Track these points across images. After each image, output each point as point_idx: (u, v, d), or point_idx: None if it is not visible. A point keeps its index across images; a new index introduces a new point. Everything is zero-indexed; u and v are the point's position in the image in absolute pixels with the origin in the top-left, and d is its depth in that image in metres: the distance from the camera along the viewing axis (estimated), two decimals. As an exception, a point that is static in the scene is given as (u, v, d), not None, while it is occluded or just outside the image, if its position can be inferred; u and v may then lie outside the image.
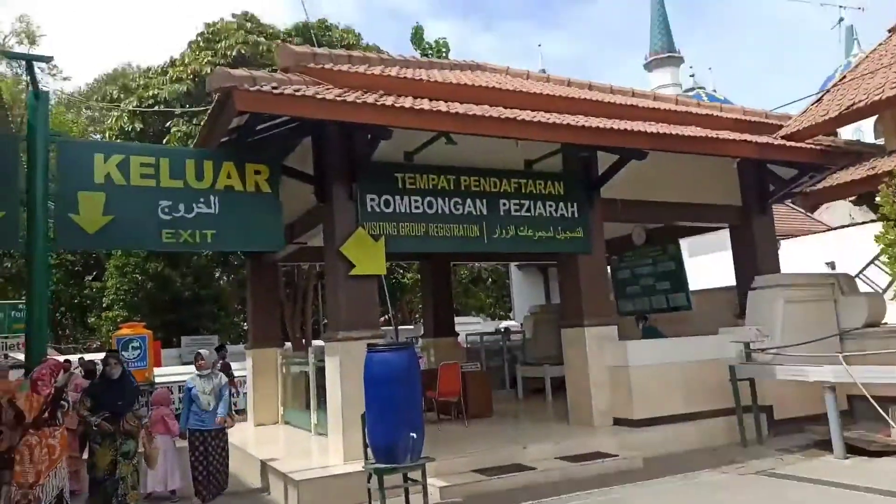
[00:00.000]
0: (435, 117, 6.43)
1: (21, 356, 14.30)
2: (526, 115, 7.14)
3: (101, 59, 54.33)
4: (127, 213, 6.30)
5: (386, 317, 27.39)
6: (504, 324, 22.51)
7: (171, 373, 15.12)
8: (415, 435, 5.52)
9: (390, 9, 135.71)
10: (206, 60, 16.57)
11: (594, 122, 7.74)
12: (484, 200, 7.91)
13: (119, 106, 16.54)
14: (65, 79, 36.99)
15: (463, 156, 7.73)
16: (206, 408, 6.79)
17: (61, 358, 15.81)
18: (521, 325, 15.64)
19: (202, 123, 7.02)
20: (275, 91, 5.81)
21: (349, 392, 6.81)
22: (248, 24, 18.42)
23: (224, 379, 7.04)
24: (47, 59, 5.26)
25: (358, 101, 6.14)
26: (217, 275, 30.36)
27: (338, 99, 6.06)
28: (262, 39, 17.20)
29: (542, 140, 7.38)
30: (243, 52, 16.69)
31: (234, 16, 19.10)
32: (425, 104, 6.49)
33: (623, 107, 9.04)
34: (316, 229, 8.12)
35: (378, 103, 6.16)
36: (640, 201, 9.20)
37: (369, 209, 7.34)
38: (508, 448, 7.13)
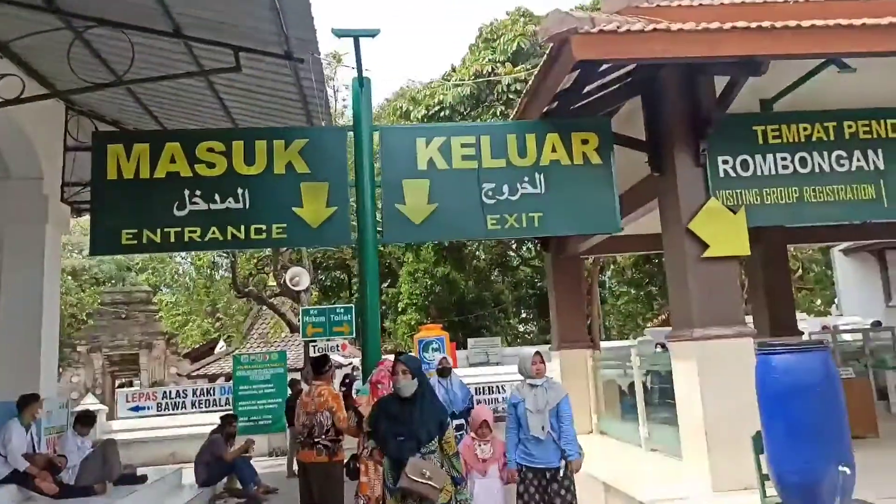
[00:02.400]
0: (832, 36, 4.75)
1: (340, 358, 15.44)
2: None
3: (388, 81, 60.06)
4: (450, 200, 5.73)
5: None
6: (827, 321, 18.81)
7: (462, 375, 15.12)
8: (847, 470, 3.99)
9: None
10: (486, 59, 16.45)
11: None
12: (879, 151, 5.91)
13: (409, 117, 17.21)
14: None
15: (843, 95, 5.85)
16: (537, 433, 4.67)
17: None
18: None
19: (524, 93, 6.23)
20: (619, 30, 4.71)
21: (713, 405, 5.42)
22: (523, 19, 17.97)
23: (562, 392, 4.87)
24: (374, 33, 4.78)
25: (724, 27, 4.75)
26: (493, 276, 31.02)
27: (697, 29, 4.74)
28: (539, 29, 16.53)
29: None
30: (521, 45, 16.22)
31: (507, 13, 18.92)
32: (816, 21, 4.83)
33: None
34: (637, 212, 6.88)
35: (753, 27, 4.69)
36: None
37: (722, 174, 5.87)
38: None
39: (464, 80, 16.88)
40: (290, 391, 11.30)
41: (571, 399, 4.89)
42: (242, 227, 5.51)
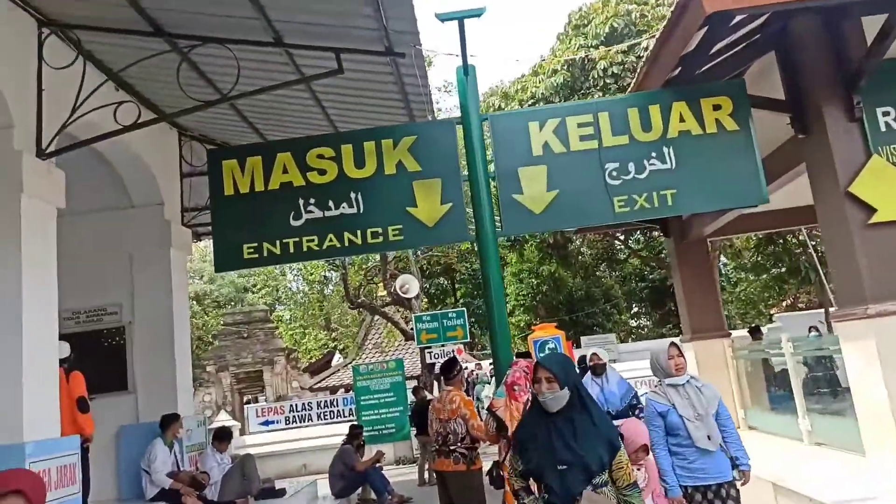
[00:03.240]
0: None
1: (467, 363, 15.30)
2: None
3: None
4: (572, 185, 5.32)
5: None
6: None
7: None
8: None
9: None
10: (577, 45, 15.84)
11: None
12: None
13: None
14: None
15: None
16: (705, 444, 3.88)
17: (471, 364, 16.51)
18: None
19: (643, 61, 5.73)
20: (757, -28, 4.15)
21: (898, 390, 4.68)
22: (614, 0, 17.20)
23: (716, 391, 4.12)
24: (479, 13, 4.49)
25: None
26: (599, 271, 29.98)
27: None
28: (633, 6, 15.75)
29: None
30: (615, 25, 15.49)
31: (594, -3, 18.19)
32: None
33: None
34: (780, 180, 6.17)
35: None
36: None
37: (883, 128, 5.11)
38: None
39: (556, 70, 16.36)
40: (413, 398, 11.23)
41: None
42: (358, 232, 5.37)
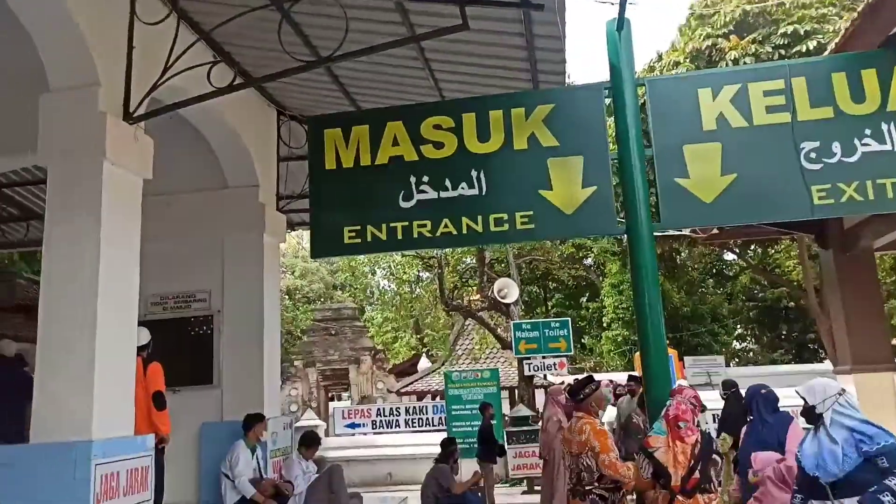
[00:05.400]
0: None
1: (561, 378, 14.13)
2: None
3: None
4: (755, 168, 4.20)
5: None
6: None
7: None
8: None
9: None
10: (704, 34, 14.35)
11: None
12: None
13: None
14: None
15: None
16: None
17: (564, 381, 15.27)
18: None
19: (857, 13, 4.51)
20: None
21: None
22: (742, -13, 15.56)
23: None
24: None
25: None
26: (704, 287, 27.81)
27: None
28: (769, -8, 14.12)
29: None
30: (747, 10, 13.91)
31: (721, -15, 16.59)
32: None
33: None
34: None
35: None
36: None
37: None
38: None
39: (678, 62, 14.91)
40: (482, 415, 10.10)
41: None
42: (479, 218, 4.45)
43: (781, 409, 4.25)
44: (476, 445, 11.28)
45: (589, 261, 26.94)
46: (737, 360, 30.42)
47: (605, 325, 24.71)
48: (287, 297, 29.66)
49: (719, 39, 14.19)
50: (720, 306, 26.71)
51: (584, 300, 28.65)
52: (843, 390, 3.39)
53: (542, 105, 4.56)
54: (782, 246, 22.19)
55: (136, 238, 4.79)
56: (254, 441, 6.36)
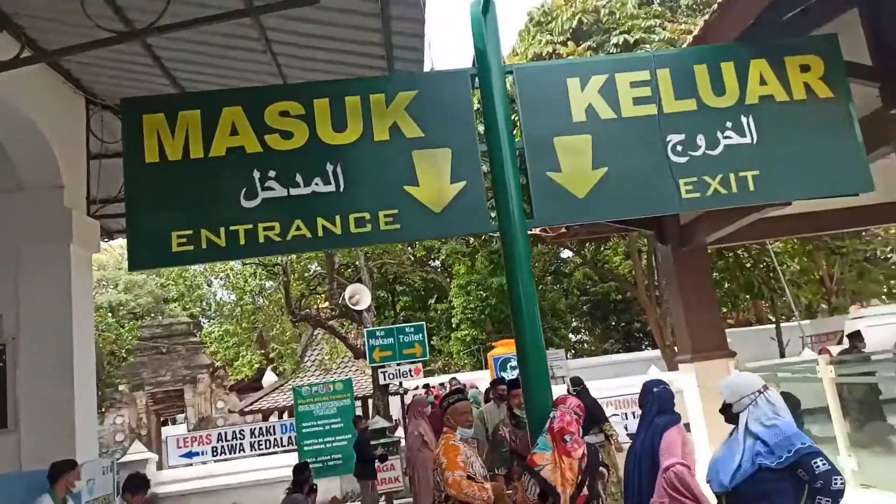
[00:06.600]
0: None
1: (415, 383, 13.74)
2: None
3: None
4: (624, 161, 4.04)
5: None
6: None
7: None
8: None
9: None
10: (544, 41, 14.81)
11: None
12: None
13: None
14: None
15: None
16: None
17: (419, 383, 14.98)
18: None
19: (715, 6, 4.51)
20: None
21: None
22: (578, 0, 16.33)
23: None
24: None
25: None
26: (544, 284, 29.08)
27: None
28: (602, 3, 14.89)
29: None
30: (583, 20, 14.56)
31: (556, -5, 17.31)
32: None
33: None
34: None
35: None
36: None
37: None
38: None
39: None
40: (355, 429, 9.57)
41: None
42: (338, 218, 3.87)
43: (674, 412, 4.03)
44: (339, 462, 10.59)
45: (436, 262, 27.04)
46: (573, 351, 32.15)
47: (454, 325, 24.90)
48: (110, 314, 26.66)
49: (558, 46, 14.70)
50: (558, 301, 28.04)
51: (433, 302, 28.77)
52: (765, 387, 3.15)
53: (404, 91, 4.09)
54: (611, 243, 23.75)
55: None
56: (63, 493, 5.27)
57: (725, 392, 3.21)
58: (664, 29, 13.45)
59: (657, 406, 4.01)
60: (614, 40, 13.75)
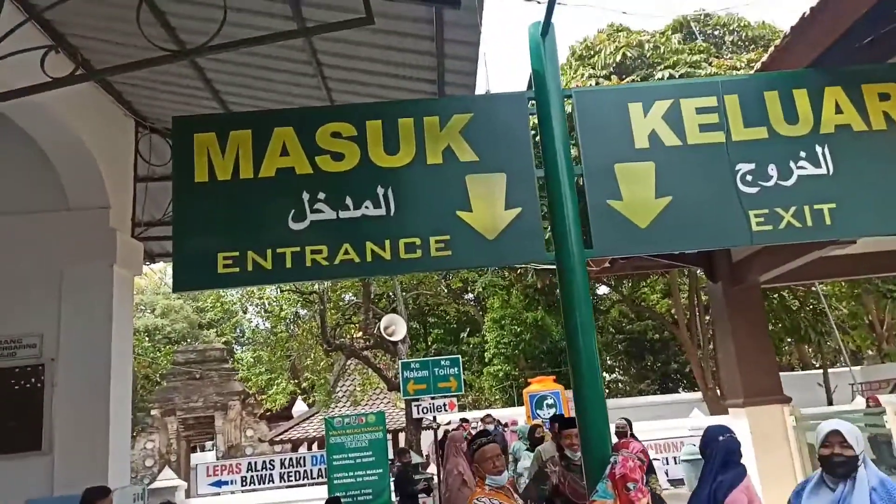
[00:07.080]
0: None
1: (448, 417, 13.40)
2: None
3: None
4: (690, 191, 3.81)
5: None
6: None
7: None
8: None
9: None
10: (587, 74, 14.72)
11: None
12: None
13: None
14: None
15: None
16: None
17: (453, 419, 14.48)
18: None
19: (789, 30, 4.32)
20: None
21: None
22: (621, 34, 16.27)
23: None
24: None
25: None
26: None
27: None
28: (646, 38, 14.78)
29: None
30: (627, 53, 14.45)
31: (599, 31, 17.31)
32: None
33: None
34: None
35: None
36: None
37: None
38: None
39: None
40: (398, 463, 9.34)
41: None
42: (387, 243, 3.72)
43: (739, 464, 3.71)
44: (370, 497, 10.34)
45: (470, 295, 26.78)
46: (608, 391, 31.36)
47: (486, 360, 24.48)
48: (146, 338, 26.95)
49: (601, 80, 14.60)
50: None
51: (465, 335, 28.41)
52: None
53: (459, 114, 3.96)
54: (650, 280, 23.22)
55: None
56: (94, 521, 5.12)
57: (851, 438, 2.86)
58: (710, 65, 13.25)
59: (721, 457, 3.70)
60: (658, 75, 13.57)
